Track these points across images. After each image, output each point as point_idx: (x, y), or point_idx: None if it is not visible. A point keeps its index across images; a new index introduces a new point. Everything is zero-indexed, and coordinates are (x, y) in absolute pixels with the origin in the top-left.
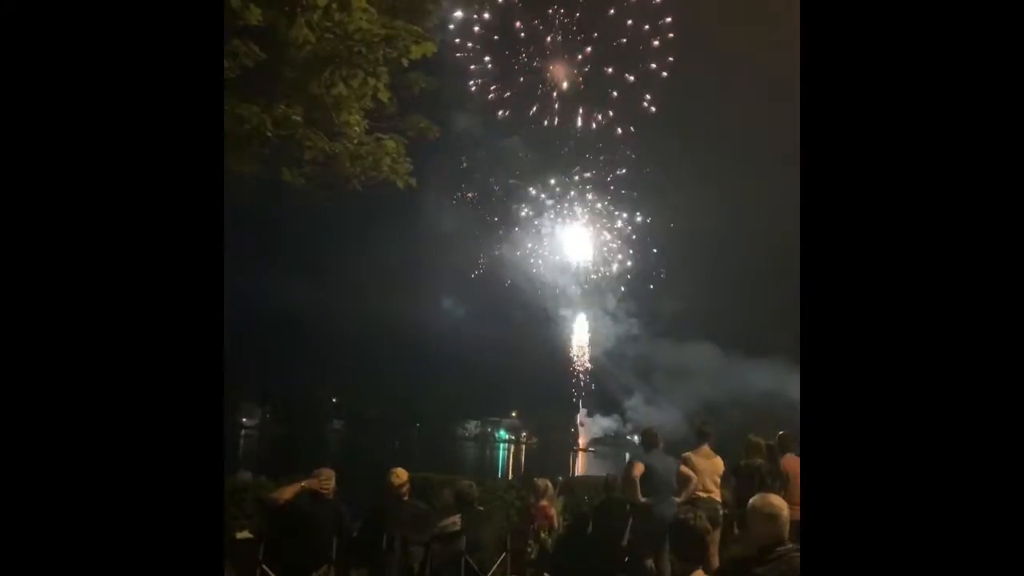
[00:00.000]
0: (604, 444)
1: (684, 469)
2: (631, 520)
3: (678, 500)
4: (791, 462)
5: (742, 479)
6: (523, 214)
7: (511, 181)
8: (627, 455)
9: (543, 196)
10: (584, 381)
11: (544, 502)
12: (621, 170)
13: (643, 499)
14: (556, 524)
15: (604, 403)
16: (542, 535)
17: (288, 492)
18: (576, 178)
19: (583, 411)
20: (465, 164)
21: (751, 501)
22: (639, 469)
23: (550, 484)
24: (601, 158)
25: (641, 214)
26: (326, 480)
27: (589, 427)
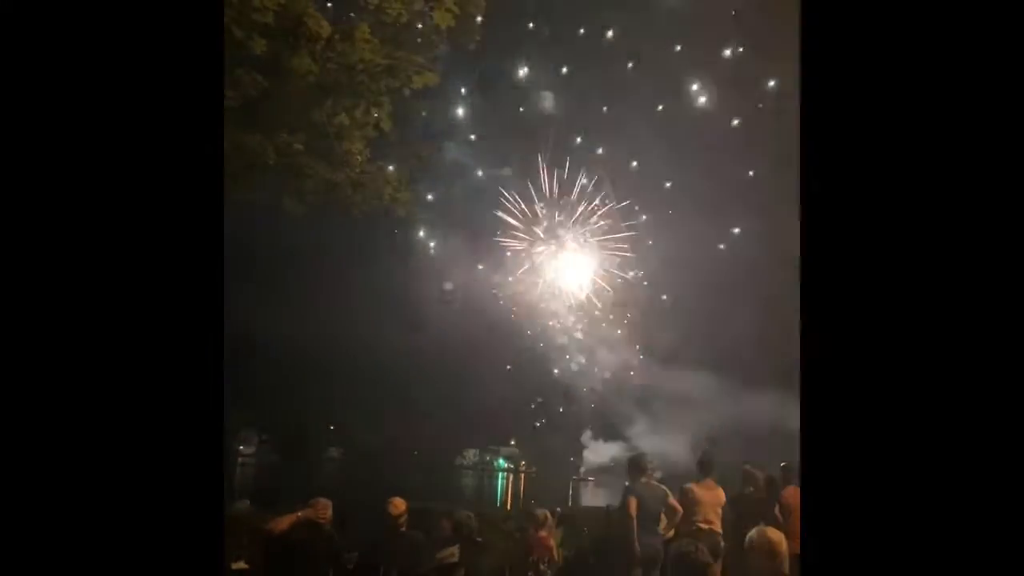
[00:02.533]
0: (607, 473)
1: (672, 501)
2: (615, 552)
3: (664, 531)
4: (793, 494)
5: (739, 510)
6: (516, 242)
7: (499, 212)
8: (627, 483)
9: (535, 225)
10: (583, 410)
11: (543, 533)
12: (612, 200)
13: (635, 533)
14: (555, 556)
15: (605, 432)
16: (541, 567)
17: (284, 522)
18: (568, 206)
19: (583, 439)
20: (473, 193)
21: (749, 536)
22: (633, 505)
23: (549, 514)
24: (590, 189)
25: (636, 241)
26: (323, 510)
27: (591, 456)
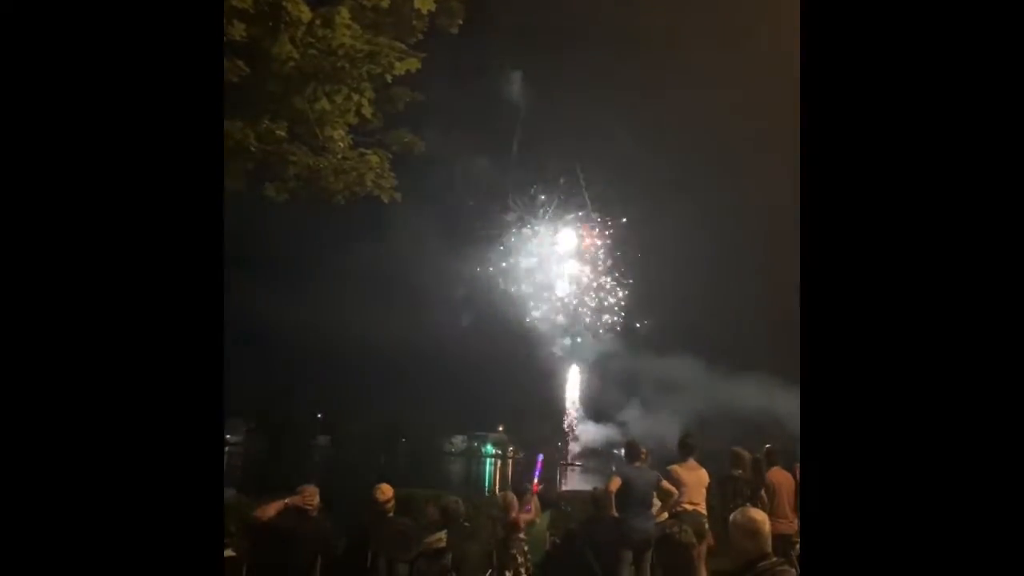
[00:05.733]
0: (595, 457)
1: (666, 484)
2: (605, 534)
3: (656, 514)
4: (777, 475)
5: (727, 490)
6: (495, 231)
7: (471, 203)
8: (613, 468)
9: (513, 213)
10: (569, 395)
11: (513, 514)
12: (592, 185)
13: (616, 513)
14: (522, 527)
15: (592, 416)
16: (517, 551)
17: (271, 509)
18: (543, 196)
19: (569, 424)
20: (449, 180)
21: (732, 516)
22: (615, 483)
23: (514, 495)
24: (561, 177)
25: (617, 227)
26: (310, 497)
27: (580, 440)
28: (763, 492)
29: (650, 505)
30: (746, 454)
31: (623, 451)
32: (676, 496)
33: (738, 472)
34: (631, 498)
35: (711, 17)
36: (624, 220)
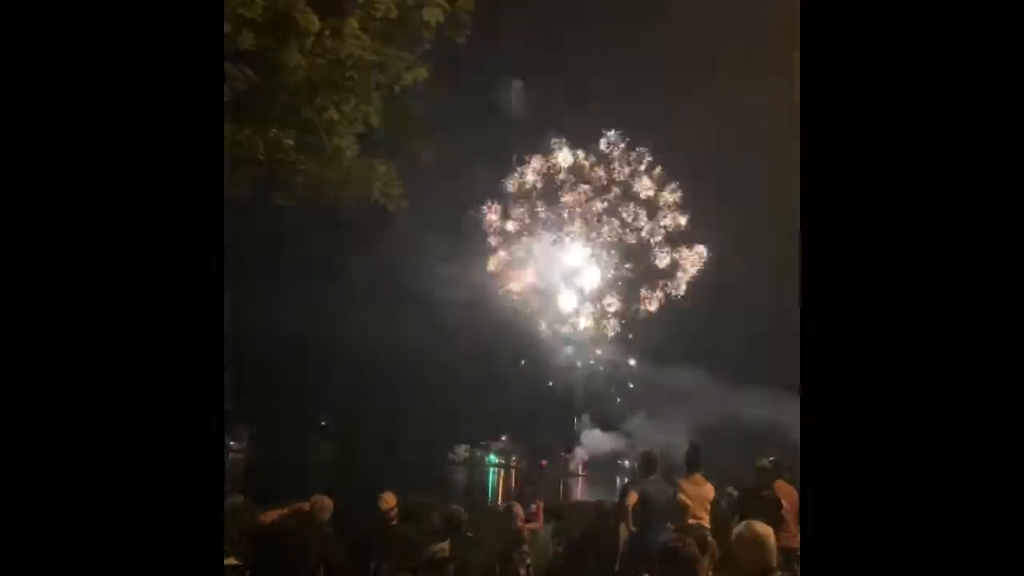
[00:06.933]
0: (600, 468)
1: (682, 497)
2: (623, 548)
3: (673, 527)
4: (781, 488)
5: (749, 507)
6: (498, 239)
7: (472, 211)
8: (617, 479)
9: (515, 222)
10: (573, 405)
11: (518, 524)
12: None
13: (633, 528)
14: (526, 538)
15: (596, 426)
16: (519, 561)
17: (274, 517)
18: (545, 205)
19: (575, 435)
20: (451, 188)
21: (736, 530)
22: (633, 498)
23: (519, 505)
24: (564, 185)
25: (621, 236)
26: (326, 511)
27: (584, 450)
28: (784, 512)
29: (667, 519)
30: (770, 468)
31: (637, 463)
32: (692, 509)
33: (768, 493)
34: (649, 513)
35: (712, 24)
36: (628, 227)
